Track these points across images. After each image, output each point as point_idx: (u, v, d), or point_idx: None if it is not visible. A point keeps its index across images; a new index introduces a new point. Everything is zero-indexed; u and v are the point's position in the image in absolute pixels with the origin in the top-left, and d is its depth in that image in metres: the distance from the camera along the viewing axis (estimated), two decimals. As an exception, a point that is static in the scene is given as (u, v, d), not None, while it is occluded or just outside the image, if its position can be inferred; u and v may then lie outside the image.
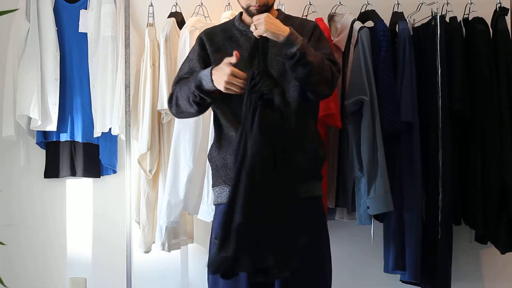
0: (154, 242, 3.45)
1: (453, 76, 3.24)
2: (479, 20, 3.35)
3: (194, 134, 3.27)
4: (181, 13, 3.56)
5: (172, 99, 2.62)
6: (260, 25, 2.40)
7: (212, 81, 2.43)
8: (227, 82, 2.40)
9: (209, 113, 3.29)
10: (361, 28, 3.24)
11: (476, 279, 3.63)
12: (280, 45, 2.43)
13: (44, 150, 3.68)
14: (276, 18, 2.51)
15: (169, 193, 3.27)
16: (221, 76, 2.41)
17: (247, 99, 2.38)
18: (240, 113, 2.43)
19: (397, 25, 3.32)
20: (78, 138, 3.61)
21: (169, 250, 3.40)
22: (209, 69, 2.46)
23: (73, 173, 3.65)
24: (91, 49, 3.57)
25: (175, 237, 3.42)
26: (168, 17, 3.48)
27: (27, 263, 3.73)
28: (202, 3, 3.51)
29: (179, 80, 2.63)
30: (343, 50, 3.32)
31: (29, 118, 3.57)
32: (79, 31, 3.61)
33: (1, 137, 3.60)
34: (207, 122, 3.22)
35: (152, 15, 3.54)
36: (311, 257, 2.47)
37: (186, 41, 3.30)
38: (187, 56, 2.71)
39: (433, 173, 3.23)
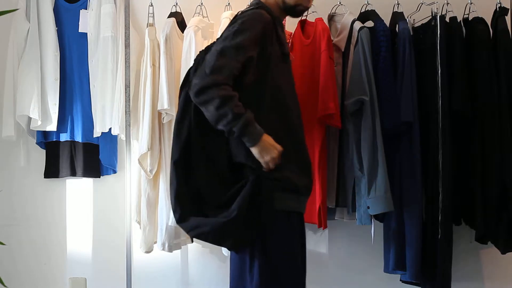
0: (155, 242, 3.45)
1: (453, 76, 3.23)
2: (479, 20, 3.35)
3: None
4: (181, 13, 3.56)
5: (213, 89, 2.42)
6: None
7: (255, 144, 2.45)
8: (267, 163, 2.47)
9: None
10: (361, 28, 3.24)
11: (476, 279, 3.63)
12: None
13: (44, 150, 3.68)
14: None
15: None
16: (267, 152, 2.47)
17: None
18: None
19: (397, 25, 3.32)
20: (78, 138, 3.61)
21: (170, 250, 3.40)
22: (262, 133, 2.46)
23: (73, 173, 3.65)
24: (91, 49, 3.57)
25: (176, 237, 3.42)
26: (168, 17, 3.48)
27: (27, 263, 3.73)
28: (202, 3, 3.52)
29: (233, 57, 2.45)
30: (343, 50, 3.32)
31: (29, 118, 3.58)
32: (79, 31, 3.61)
33: (1, 137, 3.60)
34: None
35: (152, 15, 3.54)
36: None
37: (192, 41, 3.31)
38: (244, 31, 2.49)
39: (433, 173, 3.23)
